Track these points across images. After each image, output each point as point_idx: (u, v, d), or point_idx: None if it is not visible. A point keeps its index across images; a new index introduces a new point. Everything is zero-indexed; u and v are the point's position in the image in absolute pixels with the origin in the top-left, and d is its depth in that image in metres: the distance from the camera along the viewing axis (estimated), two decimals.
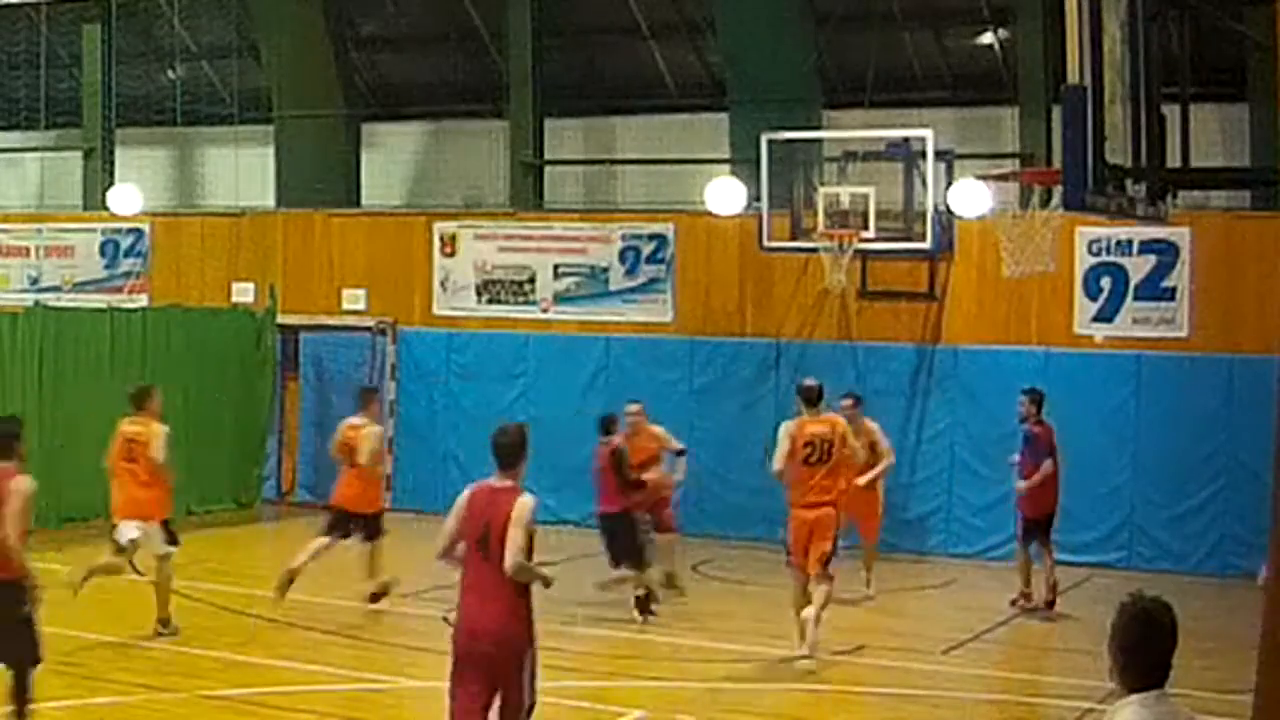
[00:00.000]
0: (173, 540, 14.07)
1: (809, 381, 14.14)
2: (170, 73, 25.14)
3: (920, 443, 18.87)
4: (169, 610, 13.86)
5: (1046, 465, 15.80)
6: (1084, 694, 12.61)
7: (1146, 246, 18.46)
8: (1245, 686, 9.18)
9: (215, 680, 12.16)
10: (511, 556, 8.83)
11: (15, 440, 10.20)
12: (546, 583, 9.39)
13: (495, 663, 8.86)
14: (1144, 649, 5.13)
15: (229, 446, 21.46)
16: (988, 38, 21.39)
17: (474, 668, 8.84)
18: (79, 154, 25.62)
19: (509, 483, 9.03)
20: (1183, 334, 18.46)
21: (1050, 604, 15.88)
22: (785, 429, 13.64)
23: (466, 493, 9.06)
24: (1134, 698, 5.10)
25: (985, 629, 15.20)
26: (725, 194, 19.69)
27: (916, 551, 17.96)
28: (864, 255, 19.09)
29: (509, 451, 9.06)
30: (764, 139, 19.04)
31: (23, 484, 9.94)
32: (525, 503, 8.98)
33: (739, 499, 19.54)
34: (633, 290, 21.00)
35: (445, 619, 14.81)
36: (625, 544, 15.10)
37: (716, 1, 21.27)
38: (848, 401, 16.11)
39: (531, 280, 21.49)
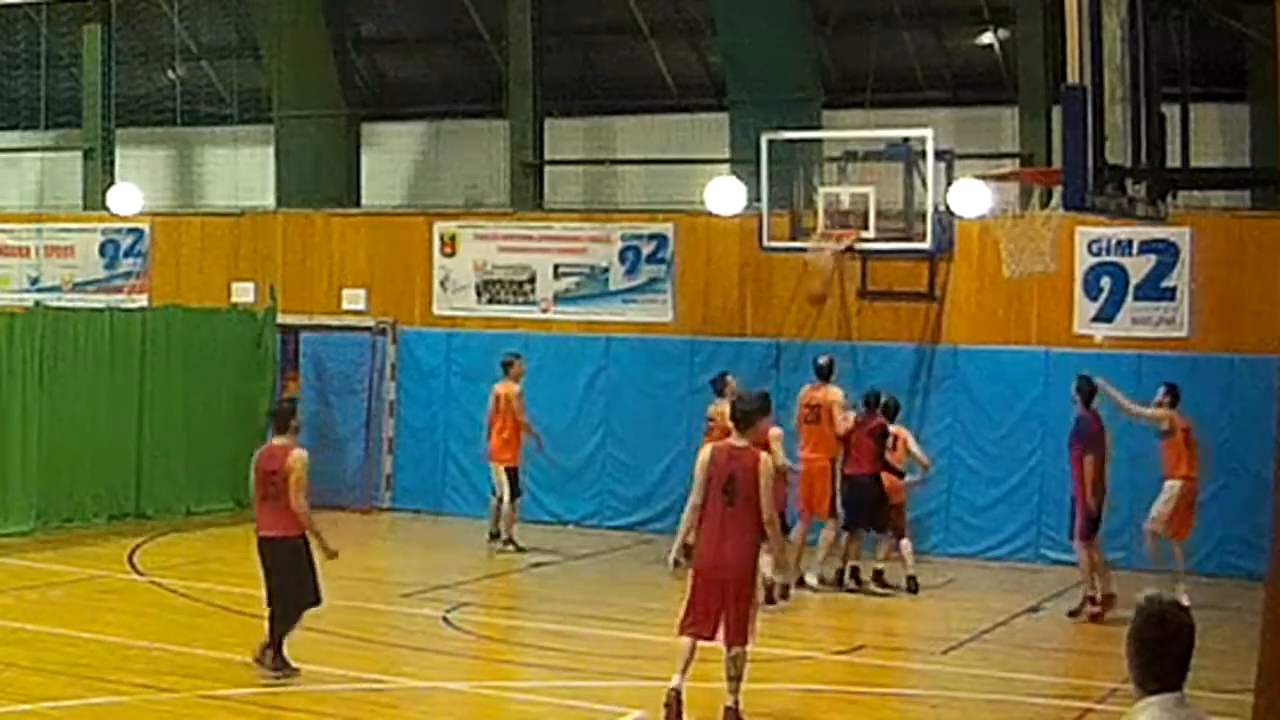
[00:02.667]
0: (515, 489, 18.54)
1: (822, 357, 17.28)
2: (170, 73, 25.14)
3: (920, 442, 18.84)
4: (499, 526, 18.63)
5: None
6: (1084, 694, 12.63)
7: (1146, 246, 18.45)
8: (1245, 686, 9.18)
9: (215, 680, 12.16)
10: (767, 510, 10.94)
11: (290, 418, 12.52)
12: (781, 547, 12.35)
13: (727, 586, 10.95)
14: (1161, 651, 5.08)
15: (229, 446, 21.41)
16: (988, 38, 21.39)
17: (711, 588, 11.00)
18: (79, 154, 25.61)
19: (745, 442, 11.03)
20: (1183, 334, 18.45)
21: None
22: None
23: (707, 451, 11.22)
24: (1153, 699, 5.07)
25: (985, 629, 15.19)
26: (725, 194, 19.69)
27: (916, 551, 17.91)
28: (864, 255, 19.09)
29: (748, 416, 11.08)
30: (764, 139, 19.04)
31: (301, 455, 12.17)
32: (768, 460, 11.06)
33: None
34: (633, 290, 20.99)
35: (445, 619, 14.85)
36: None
37: (716, 1, 21.27)
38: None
39: (531, 280, 21.49)
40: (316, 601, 12.34)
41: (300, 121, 23.97)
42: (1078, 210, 9.07)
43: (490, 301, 21.72)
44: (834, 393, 16.91)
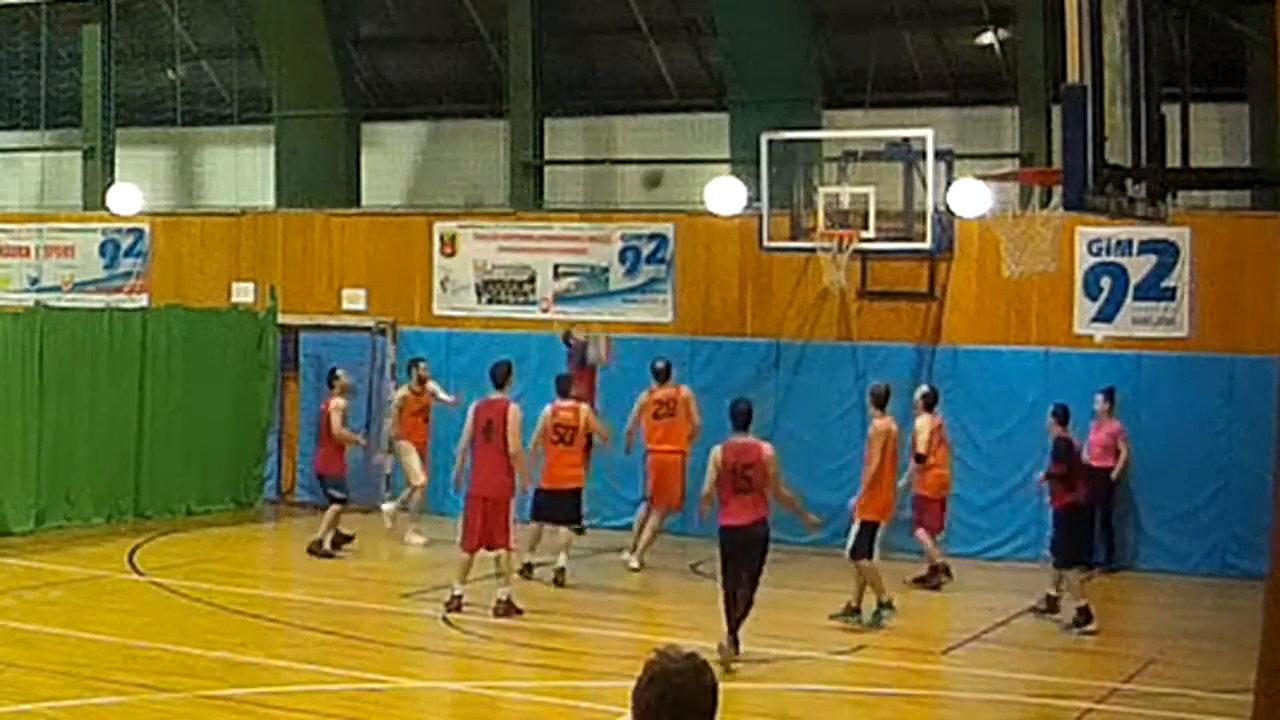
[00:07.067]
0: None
1: (659, 362, 18.25)
2: (170, 73, 25.14)
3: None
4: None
5: None
6: (1084, 694, 12.63)
7: (1146, 246, 18.45)
8: (1245, 686, 9.18)
9: (215, 680, 12.16)
10: (514, 446, 14.89)
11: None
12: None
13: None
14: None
15: (229, 446, 21.45)
16: (988, 38, 21.39)
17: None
18: (79, 154, 25.61)
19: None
20: (1183, 334, 18.45)
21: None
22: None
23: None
24: None
25: (985, 629, 15.19)
26: (725, 194, 19.69)
27: (916, 551, 17.93)
28: (864, 255, 19.10)
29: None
30: (764, 139, 19.05)
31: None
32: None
33: None
34: (633, 290, 20.99)
35: (445, 619, 14.84)
36: None
37: (716, 1, 21.27)
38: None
39: (531, 280, 21.49)
40: None
41: (300, 121, 23.97)
42: (1078, 210, 9.05)
43: (490, 301, 21.71)
44: (684, 389, 18.23)
